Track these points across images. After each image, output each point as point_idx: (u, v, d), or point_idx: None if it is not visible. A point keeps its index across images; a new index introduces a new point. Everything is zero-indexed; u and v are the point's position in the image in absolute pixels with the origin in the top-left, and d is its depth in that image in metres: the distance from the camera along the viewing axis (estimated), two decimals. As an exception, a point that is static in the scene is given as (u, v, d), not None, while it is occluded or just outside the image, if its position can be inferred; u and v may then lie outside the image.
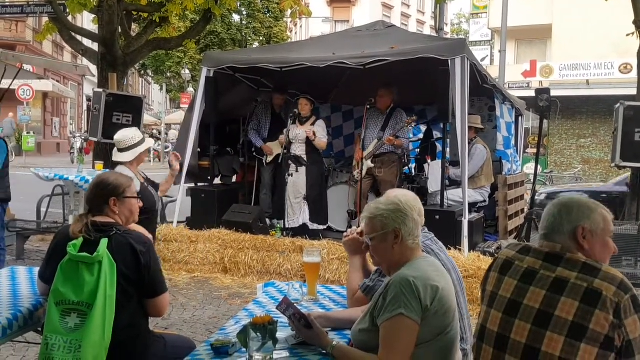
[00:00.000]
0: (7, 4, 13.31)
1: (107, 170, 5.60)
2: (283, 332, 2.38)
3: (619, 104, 6.92)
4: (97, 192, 2.85)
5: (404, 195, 2.42)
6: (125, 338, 2.63)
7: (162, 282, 2.78)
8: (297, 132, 7.16)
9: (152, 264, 2.70)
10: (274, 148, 7.62)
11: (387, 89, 7.22)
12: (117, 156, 4.58)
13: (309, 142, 7.14)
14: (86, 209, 2.86)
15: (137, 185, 4.40)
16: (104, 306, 2.50)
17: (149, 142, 4.81)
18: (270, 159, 7.68)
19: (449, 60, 6.26)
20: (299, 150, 7.18)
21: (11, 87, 8.42)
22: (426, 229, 2.83)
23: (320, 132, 7.17)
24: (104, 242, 2.60)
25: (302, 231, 7.10)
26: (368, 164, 7.13)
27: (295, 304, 2.49)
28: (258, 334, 2.17)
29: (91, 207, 2.83)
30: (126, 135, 4.59)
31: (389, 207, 2.32)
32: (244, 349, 2.23)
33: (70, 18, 10.48)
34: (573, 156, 23.81)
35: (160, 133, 29.71)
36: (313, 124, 7.22)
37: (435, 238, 2.91)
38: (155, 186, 4.90)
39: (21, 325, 2.81)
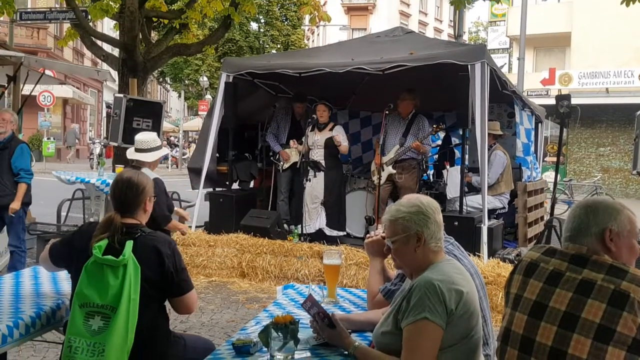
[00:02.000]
0: (30, 10, 13.52)
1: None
2: (304, 333, 2.37)
3: (639, 112, 6.84)
4: (131, 193, 2.80)
5: (426, 198, 2.39)
6: (146, 339, 2.63)
7: (188, 281, 2.79)
8: (316, 138, 7.17)
9: (177, 265, 2.70)
10: (292, 154, 7.64)
11: (410, 95, 7.19)
12: (136, 155, 4.58)
13: (327, 148, 7.15)
14: (115, 210, 2.79)
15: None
16: (127, 310, 2.49)
17: (166, 150, 4.88)
18: (286, 165, 7.69)
19: (469, 66, 6.23)
20: (317, 156, 7.20)
21: (32, 93, 8.55)
22: (446, 234, 2.81)
23: (340, 138, 7.19)
24: (129, 244, 2.59)
25: (319, 237, 7.09)
26: (389, 169, 7.12)
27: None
28: (279, 333, 2.17)
29: (122, 208, 2.78)
30: (149, 137, 4.63)
31: (411, 209, 2.27)
32: (265, 349, 2.23)
33: (91, 24, 10.61)
34: (592, 165, 23.56)
35: (178, 140, 29.91)
36: (331, 130, 7.23)
37: (456, 242, 2.88)
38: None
39: (44, 323, 2.84)
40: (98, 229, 2.68)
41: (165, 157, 24.31)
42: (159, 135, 7.24)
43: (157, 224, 4.29)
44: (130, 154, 4.67)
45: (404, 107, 7.19)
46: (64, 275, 3.25)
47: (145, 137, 4.61)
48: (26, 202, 5.84)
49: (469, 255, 5.76)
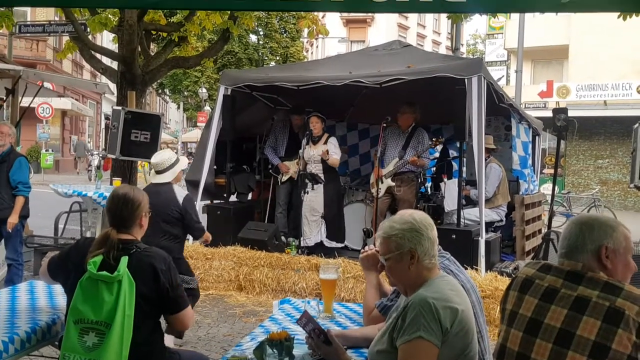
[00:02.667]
0: (29, 23, 13.58)
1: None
2: (300, 349, 2.37)
3: (637, 124, 6.87)
4: (129, 208, 2.80)
5: (419, 214, 2.38)
6: (141, 355, 2.62)
7: (184, 297, 2.78)
8: (312, 153, 7.18)
9: (173, 281, 2.69)
10: (291, 167, 7.65)
11: (410, 108, 7.22)
12: (156, 178, 4.63)
13: (324, 161, 7.16)
14: (110, 226, 2.79)
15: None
16: (122, 326, 2.49)
17: (184, 161, 4.88)
18: (285, 177, 7.69)
19: (466, 79, 6.26)
20: (315, 169, 7.20)
21: (31, 105, 8.56)
22: (441, 249, 2.80)
23: (332, 149, 7.18)
24: (124, 260, 2.59)
25: (317, 249, 7.08)
26: (388, 182, 7.12)
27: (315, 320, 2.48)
28: (274, 350, 2.17)
29: (118, 224, 2.78)
30: (163, 157, 4.68)
31: (404, 226, 2.25)
32: (260, 365, 2.22)
33: (90, 37, 10.65)
34: (590, 177, 23.58)
35: (177, 151, 29.96)
36: (325, 142, 7.25)
37: (452, 258, 2.88)
38: None
39: (39, 338, 2.83)
40: (94, 245, 2.68)
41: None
42: (157, 147, 7.30)
43: (194, 236, 4.56)
44: (152, 177, 4.73)
45: (404, 120, 7.21)
46: (59, 290, 3.24)
47: (158, 160, 4.66)
48: (24, 215, 5.83)
49: (467, 269, 5.79)
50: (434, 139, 7.15)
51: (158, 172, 4.64)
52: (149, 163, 5.36)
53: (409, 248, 2.22)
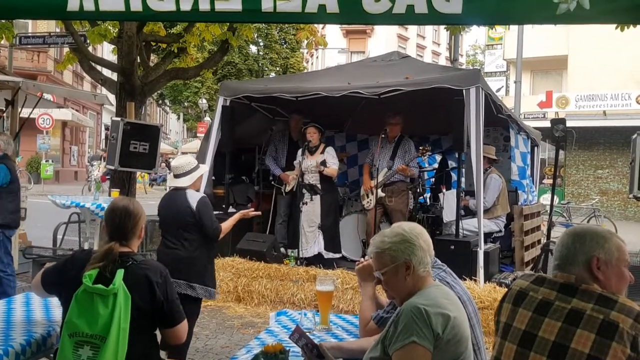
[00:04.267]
0: (30, 34, 13.64)
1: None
2: (295, 362, 2.36)
3: (636, 135, 6.87)
4: (130, 221, 2.79)
5: (408, 225, 2.39)
6: (137, 368, 2.61)
7: (180, 311, 2.75)
8: (309, 163, 7.18)
9: (169, 295, 2.68)
10: (293, 177, 7.64)
11: (395, 118, 7.23)
12: (174, 181, 4.58)
13: (321, 172, 7.17)
14: (110, 238, 2.76)
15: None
16: (117, 339, 2.47)
17: (204, 168, 4.82)
18: (289, 187, 7.66)
19: (464, 90, 6.28)
20: (312, 179, 7.20)
21: (31, 116, 8.57)
22: (438, 261, 2.79)
23: (329, 160, 7.18)
24: (120, 273, 2.57)
25: (316, 260, 7.07)
26: (378, 193, 7.13)
27: (307, 333, 2.47)
28: (269, 363, 2.16)
29: (119, 237, 2.75)
30: (183, 161, 4.62)
31: (394, 239, 2.28)
32: (255, 378, 2.21)
33: (90, 48, 10.68)
34: (590, 187, 23.58)
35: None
36: (323, 152, 7.25)
37: (449, 269, 2.87)
38: None
39: (34, 351, 2.82)
40: (95, 258, 2.65)
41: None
42: (156, 158, 7.29)
43: (211, 237, 4.43)
44: (170, 180, 4.69)
45: (390, 131, 7.23)
46: (55, 302, 3.22)
47: (178, 163, 4.60)
48: (6, 224, 5.66)
49: (465, 279, 5.78)
50: (420, 148, 7.14)
51: (176, 176, 4.62)
52: (149, 174, 5.35)
53: (404, 259, 2.24)
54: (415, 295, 2.21)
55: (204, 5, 2.92)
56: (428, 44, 48.13)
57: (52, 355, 2.95)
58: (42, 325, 3.02)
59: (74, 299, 2.55)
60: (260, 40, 33.74)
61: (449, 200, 7.13)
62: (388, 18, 2.91)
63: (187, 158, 4.71)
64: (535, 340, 1.93)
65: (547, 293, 2.00)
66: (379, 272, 2.30)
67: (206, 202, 4.41)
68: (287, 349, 2.27)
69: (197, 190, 4.57)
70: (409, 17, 2.96)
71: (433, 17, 2.92)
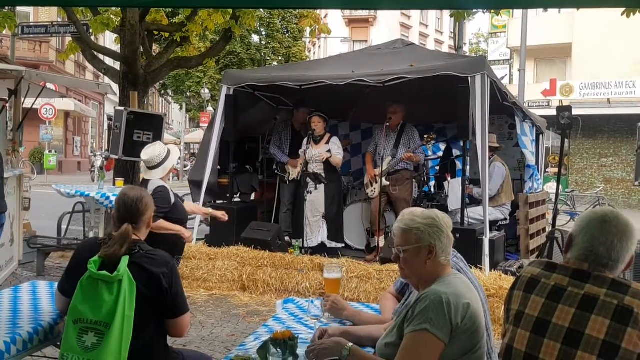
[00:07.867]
0: (32, 24, 13.59)
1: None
2: (303, 349, 2.34)
3: (641, 123, 6.83)
4: (141, 208, 2.80)
5: (441, 213, 2.38)
6: (144, 355, 2.59)
7: (184, 303, 2.72)
8: (313, 153, 7.15)
9: (174, 285, 2.64)
10: (298, 165, 7.60)
11: (397, 106, 7.16)
12: (148, 174, 4.56)
13: (326, 160, 7.13)
14: (123, 221, 2.74)
15: (172, 196, 4.44)
16: (121, 326, 2.45)
17: (175, 153, 4.77)
18: (292, 176, 7.62)
19: (469, 78, 6.23)
20: (317, 168, 7.18)
21: (34, 107, 8.54)
22: None
23: (335, 149, 7.15)
24: (125, 260, 2.55)
25: (320, 250, 7.06)
26: (383, 181, 7.10)
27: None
28: (278, 349, 2.15)
29: (131, 219, 2.75)
30: (153, 152, 4.58)
31: (425, 220, 2.27)
32: (264, 365, 2.20)
33: (92, 38, 10.64)
34: (594, 176, 23.51)
35: (180, 151, 29.96)
36: (327, 142, 7.21)
37: (460, 255, 2.86)
38: (181, 199, 4.89)
39: (42, 339, 2.81)
40: (116, 239, 2.62)
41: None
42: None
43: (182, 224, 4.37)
44: (144, 173, 4.67)
45: (393, 119, 7.18)
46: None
47: (149, 156, 4.55)
48: None
49: (471, 267, 5.75)
50: (425, 136, 7.11)
51: (150, 168, 4.59)
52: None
53: (429, 243, 2.24)
54: (436, 283, 2.20)
55: (209, -9, 2.89)
56: (431, 33, 47.89)
57: (59, 343, 2.94)
58: (49, 313, 3.02)
59: (79, 286, 2.53)
60: (262, 29, 33.61)
61: (454, 188, 7.11)
62: (393, 3, 2.86)
63: (158, 149, 4.63)
64: (549, 326, 1.91)
65: (560, 279, 1.98)
66: (401, 247, 2.28)
67: (160, 195, 4.30)
68: (296, 335, 2.25)
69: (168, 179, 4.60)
70: (414, 2, 2.92)
71: (439, 1, 2.87)
